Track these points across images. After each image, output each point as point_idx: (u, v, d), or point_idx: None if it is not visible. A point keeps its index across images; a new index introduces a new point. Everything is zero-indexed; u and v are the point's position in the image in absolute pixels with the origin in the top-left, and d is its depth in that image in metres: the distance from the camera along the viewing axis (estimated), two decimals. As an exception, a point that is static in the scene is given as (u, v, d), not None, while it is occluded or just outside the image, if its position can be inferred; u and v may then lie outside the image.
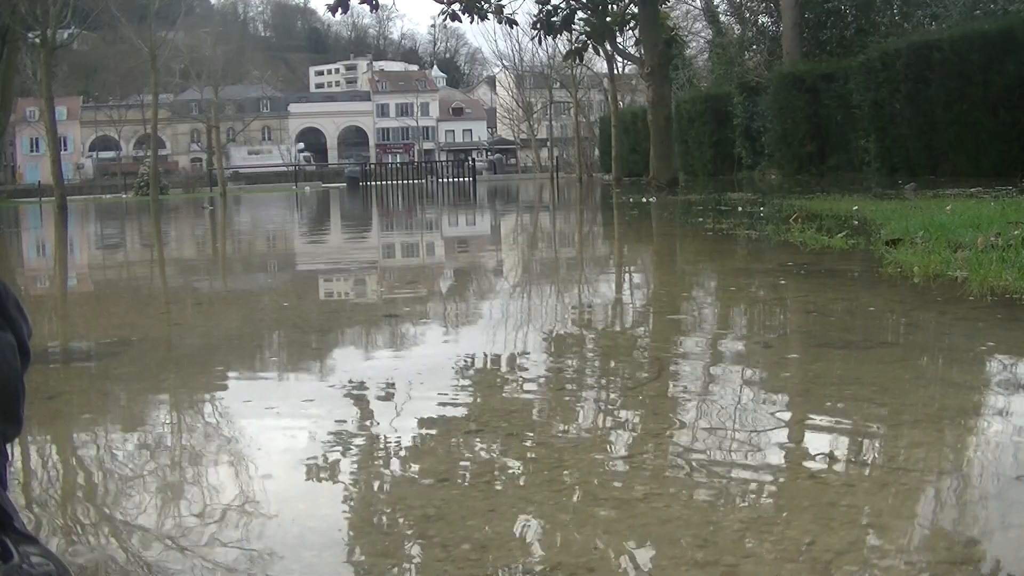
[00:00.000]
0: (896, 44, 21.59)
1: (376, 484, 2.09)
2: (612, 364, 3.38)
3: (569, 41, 28.59)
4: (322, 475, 2.14)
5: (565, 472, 2.07)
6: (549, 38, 27.63)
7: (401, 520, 1.83)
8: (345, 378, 3.20)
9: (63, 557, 1.63)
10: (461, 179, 54.25)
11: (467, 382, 3.11)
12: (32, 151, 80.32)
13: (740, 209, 12.44)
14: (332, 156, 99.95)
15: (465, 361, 3.41)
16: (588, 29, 26.96)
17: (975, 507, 1.81)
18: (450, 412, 2.67)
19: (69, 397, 3.11)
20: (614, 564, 1.59)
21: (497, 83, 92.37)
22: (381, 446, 2.37)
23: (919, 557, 1.58)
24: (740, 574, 1.53)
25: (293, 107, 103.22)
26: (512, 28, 39.24)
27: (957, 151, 18.78)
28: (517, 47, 69.01)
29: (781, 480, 1.99)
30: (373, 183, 53.36)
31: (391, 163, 72.46)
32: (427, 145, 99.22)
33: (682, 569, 1.55)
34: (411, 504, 1.91)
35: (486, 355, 3.50)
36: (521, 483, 2.03)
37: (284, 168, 70.57)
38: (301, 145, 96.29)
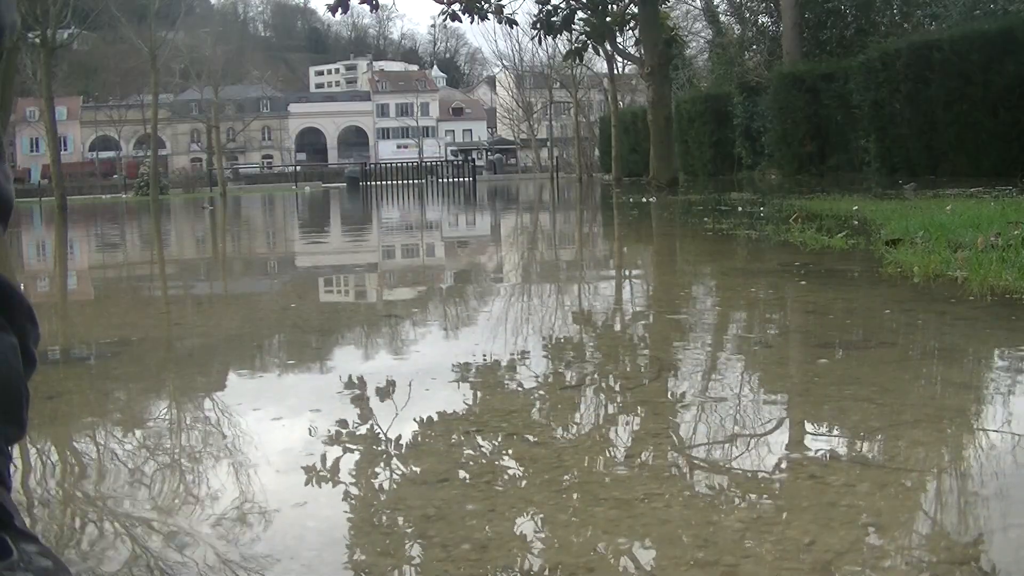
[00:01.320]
0: (896, 44, 21.62)
1: (376, 484, 2.09)
2: (612, 364, 3.38)
3: (569, 41, 28.60)
4: (322, 475, 2.14)
5: (565, 472, 2.07)
6: (549, 38, 27.64)
7: (401, 520, 1.83)
8: (345, 378, 3.20)
9: (62, 556, 1.63)
10: (461, 179, 54.22)
11: (467, 382, 3.11)
12: (32, 151, 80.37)
13: (740, 209, 12.45)
14: (332, 156, 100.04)
15: (465, 361, 3.40)
16: (588, 29, 26.98)
17: (975, 507, 1.81)
18: (450, 412, 2.67)
19: (69, 397, 3.11)
20: (614, 564, 1.59)
21: (497, 83, 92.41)
22: (381, 446, 2.37)
23: (919, 557, 1.58)
24: (740, 574, 1.53)
25: (293, 107, 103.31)
26: (512, 28, 39.27)
27: (957, 151, 18.80)
28: (517, 47, 69.20)
29: (781, 480, 1.99)
30: (373, 183, 53.32)
31: (391, 163, 72.44)
32: (427, 143, 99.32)
33: (682, 569, 1.55)
34: (411, 504, 1.91)
35: (486, 355, 3.50)
36: (521, 483, 2.03)
37: (432, 161, 69.86)
38: (448, 139, 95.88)
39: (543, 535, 1.72)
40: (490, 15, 26.27)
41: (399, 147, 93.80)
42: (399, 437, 2.43)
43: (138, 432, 2.60)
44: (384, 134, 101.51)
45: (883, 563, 1.54)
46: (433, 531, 1.75)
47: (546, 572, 1.57)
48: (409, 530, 1.78)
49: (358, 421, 2.61)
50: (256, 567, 1.63)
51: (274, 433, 2.51)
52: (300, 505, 1.94)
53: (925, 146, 19.82)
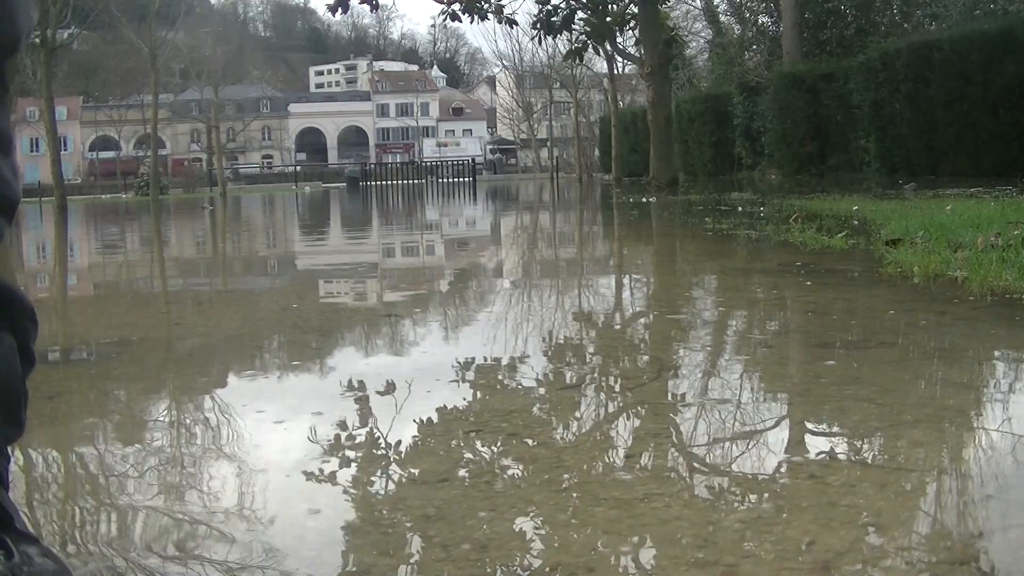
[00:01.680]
0: (896, 44, 21.62)
1: (376, 484, 2.09)
2: (612, 364, 3.38)
3: (569, 41, 28.60)
4: (322, 475, 2.14)
5: (565, 472, 2.07)
6: (549, 38, 27.64)
7: (401, 520, 1.84)
8: (345, 378, 3.20)
9: (64, 557, 1.63)
10: (461, 179, 54.19)
11: (467, 382, 3.11)
12: (32, 151, 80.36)
13: (740, 209, 12.45)
14: (332, 156, 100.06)
15: (465, 361, 3.41)
16: (588, 29, 26.97)
17: (975, 507, 1.81)
18: (450, 412, 2.67)
19: (69, 397, 3.11)
20: (614, 564, 1.59)
21: (497, 83, 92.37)
22: (381, 446, 2.37)
23: (919, 557, 1.58)
24: (740, 574, 1.53)
25: (293, 107, 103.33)
26: (512, 28, 39.23)
27: (957, 151, 18.80)
28: (517, 47, 69.16)
29: (781, 480, 1.99)
30: (373, 183, 53.36)
31: (391, 163, 72.44)
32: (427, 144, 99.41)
33: (682, 569, 1.55)
34: (411, 504, 1.91)
35: (486, 355, 3.50)
36: (521, 483, 2.03)
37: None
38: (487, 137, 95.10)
39: (543, 535, 1.72)
40: (490, 15, 26.27)
41: (439, 145, 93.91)
42: (399, 437, 2.43)
43: (138, 433, 2.60)
44: (426, 132, 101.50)
45: (883, 563, 1.54)
46: (433, 531, 1.75)
47: (546, 572, 1.57)
48: (409, 530, 1.78)
49: (359, 422, 2.61)
50: (256, 567, 1.63)
51: (274, 434, 2.51)
52: (300, 505, 1.94)
53: (925, 146, 19.82)
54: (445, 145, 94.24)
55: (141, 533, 1.81)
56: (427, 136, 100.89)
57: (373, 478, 2.12)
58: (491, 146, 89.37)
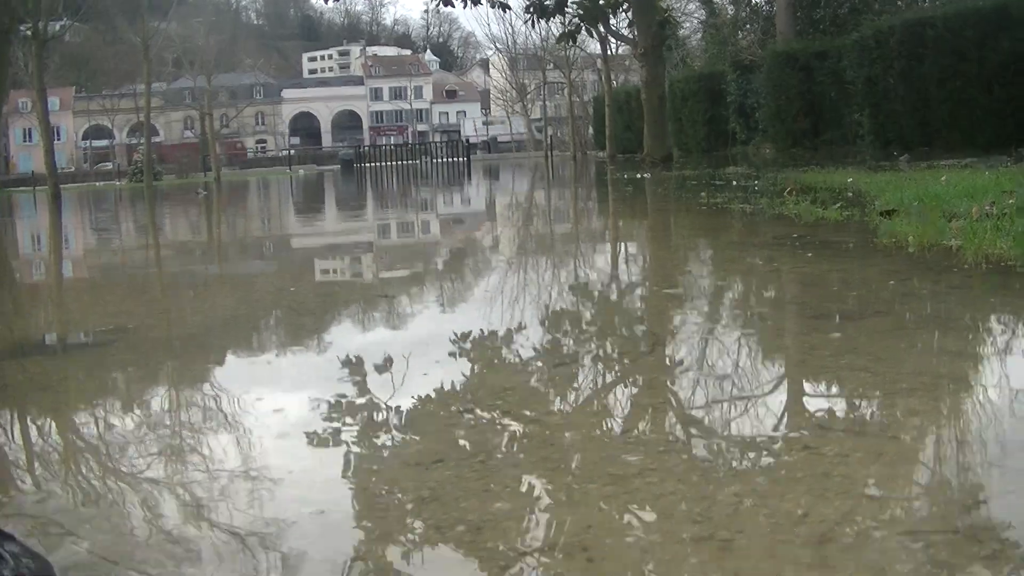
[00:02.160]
0: (889, 21, 21.47)
1: (371, 465, 2.08)
2: (607, 339, 3.37)
3: (562, 24, 28.49)
4: (317, 457, 2.13)
5: (560, 450, 2.06)
6: (542, 21, 27.52)
7: (396, 502, 1.83)
8: (340, 359, 3.19)
9: (59, 548, 1.62)
10: (456, 159, 54.06)
11: (462, 360, 3.10)
12: (25, 141, 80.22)
13: (735, 183, 12.42)
14: (326, 140, 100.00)
15: (460, 339, 3.39)
16: (581, 12, 26.86)
17: (970, 475, 1.80)
18: (444, 390, 2.66)
19: (66, 385, 3.10)
20: (609, 541, 1.58)
21: (491, 65, 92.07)
22: (375, 426, 2.36)
23: (914, 527, 1.57)
24: (735, 547, 1.52)
25: (286, 93, 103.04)
26: (505, 12, 39.06)
27: (951, 128, 18.70)
28: (510, 30, 68.89)
29: (776, 452, 1.98)
30: (368, 165, 53.31)
31: (385, 144, 72.30)
32: (421, 127, 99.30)
33: (677, 545, 1.55)
34: (406, 485, 1.90)
35: (481, 332, 3.49)
36: (516, 462, 2.02)
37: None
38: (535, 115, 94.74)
39: (538, 514, 1.72)
40: (483, 0, 26.15)
41: (484, 123, 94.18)
42: (394, 417, 2.42)
43: (134, 420, 2.59)
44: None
45: (878, 534, 1.54)
46: (428, 512, 1.74)
47: (541, 551, 1.56)
48: (404, 512, 1.77)
49: (353, 402, 2.60)
50: (251, 552, 1.62)
51: (269, 416, 2.50)
52: (295, 489, 1.93)
53: (919, 123, 19.72)
54: (491, 123, 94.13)
55: (139, 522, 1.80)
56: (421, 120, 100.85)
57: (368, 459, 2.11)
58: (538, 124, 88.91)
